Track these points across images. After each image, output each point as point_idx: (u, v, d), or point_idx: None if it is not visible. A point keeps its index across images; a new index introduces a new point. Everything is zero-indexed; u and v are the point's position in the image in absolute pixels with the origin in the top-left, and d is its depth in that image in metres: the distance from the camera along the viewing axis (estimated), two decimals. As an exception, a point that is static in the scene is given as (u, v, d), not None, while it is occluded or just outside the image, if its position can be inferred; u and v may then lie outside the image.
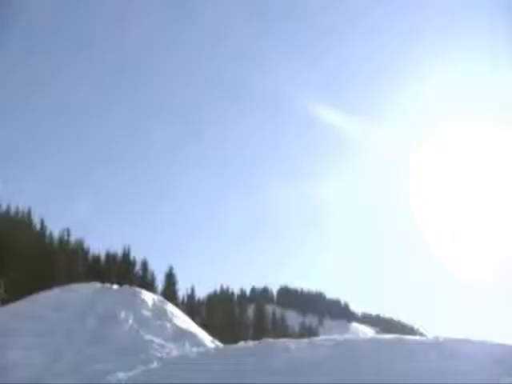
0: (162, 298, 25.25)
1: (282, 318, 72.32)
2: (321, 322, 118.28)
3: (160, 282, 58.31)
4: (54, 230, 46.85)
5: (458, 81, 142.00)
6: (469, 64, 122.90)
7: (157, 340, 17.84)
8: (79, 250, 48.29)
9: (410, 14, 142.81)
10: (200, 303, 62.28)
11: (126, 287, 25.10)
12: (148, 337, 18.07)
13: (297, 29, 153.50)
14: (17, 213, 45.84)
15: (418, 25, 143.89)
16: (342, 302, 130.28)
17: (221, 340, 22.23)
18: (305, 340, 13.06)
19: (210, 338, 21.02)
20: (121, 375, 12.94)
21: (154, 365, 13.87)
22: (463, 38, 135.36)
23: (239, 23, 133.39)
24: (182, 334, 19.53)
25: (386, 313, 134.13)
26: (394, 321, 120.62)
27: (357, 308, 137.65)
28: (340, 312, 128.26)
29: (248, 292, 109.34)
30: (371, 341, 12.28)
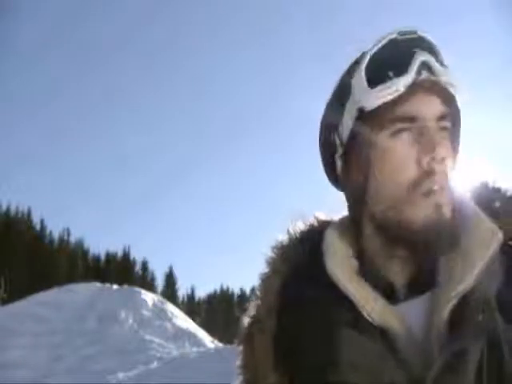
0: (161, 298, 25.28)
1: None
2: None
3: (160, 282, 58.42)
4: (54, 230, 47.06)
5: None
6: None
7: (157, 340, 17.86)
8: (79, 250, 48.39)
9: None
10: (200, 303, 62.42)
11: (125, 287, 25.14)
12: (148, 337, 18.10)
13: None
14: (17, 213, 45.91)
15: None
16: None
17: (221, 340, 22.27)
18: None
19: (210, 338, 21.04)
20: (121, 375, 12.98)
21: (154, 365, 13.91)
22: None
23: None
24: (181, 334, 19.55)
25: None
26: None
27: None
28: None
29: (248, 292, 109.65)
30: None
